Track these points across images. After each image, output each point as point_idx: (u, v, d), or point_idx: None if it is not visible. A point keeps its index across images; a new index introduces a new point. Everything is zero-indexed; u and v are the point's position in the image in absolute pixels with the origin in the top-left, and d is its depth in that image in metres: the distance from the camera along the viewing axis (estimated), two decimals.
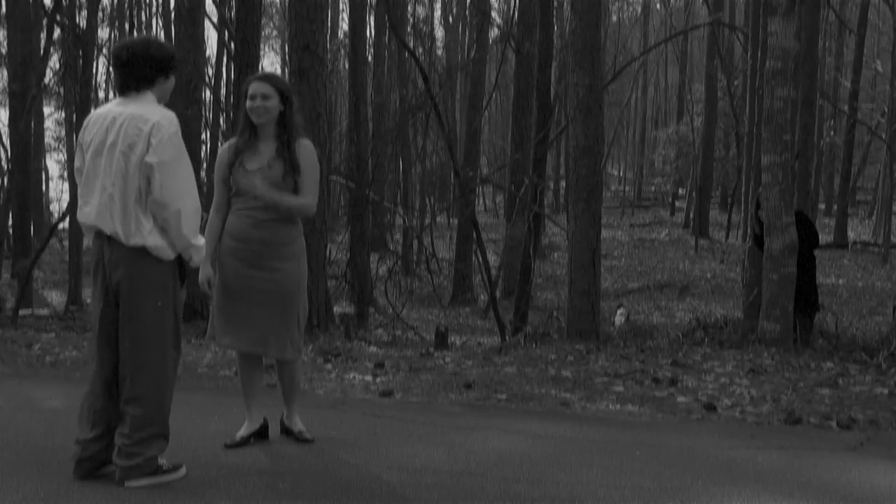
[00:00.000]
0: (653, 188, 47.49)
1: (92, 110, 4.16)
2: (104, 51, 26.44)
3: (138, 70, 3.58)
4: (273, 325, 4.12)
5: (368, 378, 6.27)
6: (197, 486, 3.64)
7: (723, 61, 25.28)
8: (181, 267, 3.70)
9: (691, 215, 32.92)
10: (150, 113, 3.51)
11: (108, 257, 3.57)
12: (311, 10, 9.27)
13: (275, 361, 4.39)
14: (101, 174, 3.54)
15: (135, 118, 3.49)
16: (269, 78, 4.19)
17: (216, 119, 21.56)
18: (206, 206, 4.29)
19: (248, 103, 4.10)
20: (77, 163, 3.71)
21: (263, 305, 4.09)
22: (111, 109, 3.59)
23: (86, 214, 3.61)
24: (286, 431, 4.42)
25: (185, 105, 13.15)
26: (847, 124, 29.03)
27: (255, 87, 4.09)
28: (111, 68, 3.70)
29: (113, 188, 3.51)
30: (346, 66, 23.34)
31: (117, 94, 3.66)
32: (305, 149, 4.14)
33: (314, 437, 4.37)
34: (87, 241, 3.66)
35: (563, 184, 33.97)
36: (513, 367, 6.73)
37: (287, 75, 10.25)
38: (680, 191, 40.44)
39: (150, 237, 3.53)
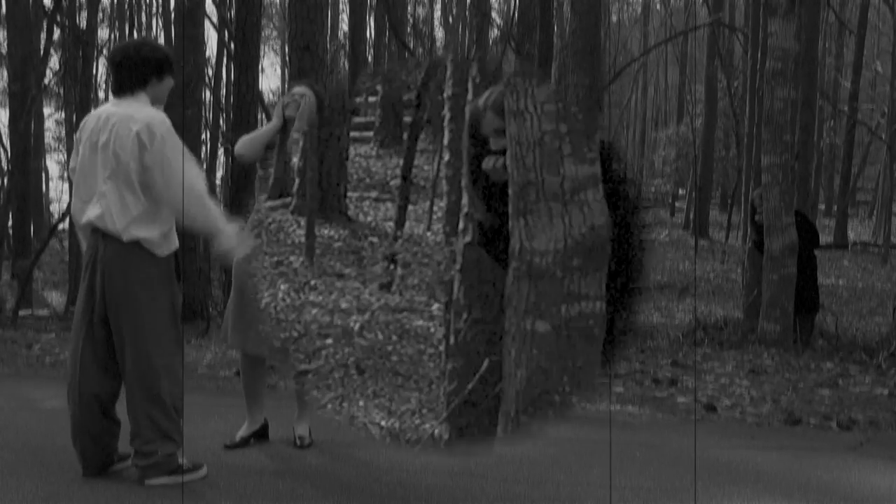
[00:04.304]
0: (653, 189, 47.42)
1: (92, 110, 4.19)
2: (104, 51, 26.43)
3: (131, 71, 3.63)
4: None
5: None
6: (197, 486, 3.65)
7: (723, 62, 25.24)
8: (177, 264, 3.71)
9: (691, 216, 32.89)
10: (140, 113, 3.55)
11: (101, 253, 3.58)
12: (311, 10, 9.26)
13: None
14: (97, 171, 3.58)
15: (125, 118, 3.54)
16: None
17: (216, 119, 21.51)
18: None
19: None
20: (72, 162, 3.75)
21: None
22: (106, 109, 3.66)
23: (80, 210, 3.65)
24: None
25: (184, 105, 13.14)
26: (847, 125, 28.99)
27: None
28: (108, 69, 3.73)
29: (106, 185, 3.55)
30: (346, 66, 23.33)
31: (113, 95, 3.72)
32: None
33: (314, 442, 4.30)
34: (82, 239, 3.67)
35: None
36: None
37: (287, 76, 10.25)
38: (680, 191, 40.41)
39: (143, 231, 3.55)
